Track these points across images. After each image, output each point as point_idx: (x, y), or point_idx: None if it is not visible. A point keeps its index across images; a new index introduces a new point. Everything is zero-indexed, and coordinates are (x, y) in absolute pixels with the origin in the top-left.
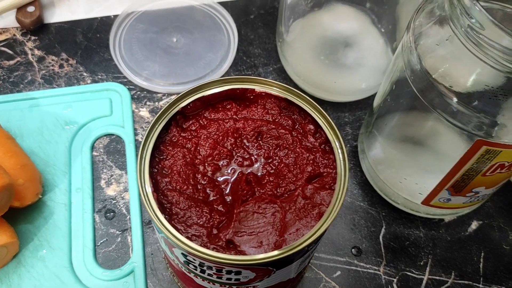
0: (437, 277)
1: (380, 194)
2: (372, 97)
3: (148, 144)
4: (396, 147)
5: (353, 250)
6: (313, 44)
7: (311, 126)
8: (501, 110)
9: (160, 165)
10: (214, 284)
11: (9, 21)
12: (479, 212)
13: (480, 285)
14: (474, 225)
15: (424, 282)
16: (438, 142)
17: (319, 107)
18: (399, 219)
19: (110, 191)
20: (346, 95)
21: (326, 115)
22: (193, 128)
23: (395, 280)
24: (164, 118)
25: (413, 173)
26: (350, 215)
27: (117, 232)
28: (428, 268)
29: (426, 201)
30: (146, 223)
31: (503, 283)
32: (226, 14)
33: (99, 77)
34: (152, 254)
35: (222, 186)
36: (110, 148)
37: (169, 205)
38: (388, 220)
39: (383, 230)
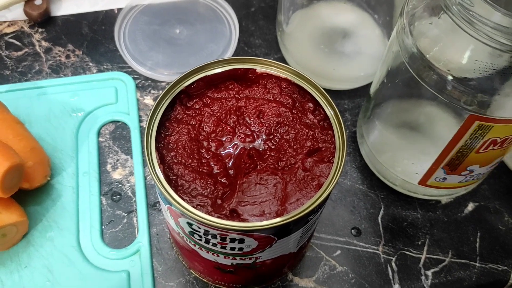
0: (435, 256)
1: (379, 177)
2: (370, 85)
3: (154, 120)
4: (394, 132)
5: (352, 230)
6: (313, 34)
7: (310, 104)
8: (493, 85)
9: (165, 140)
10: (218, 256)
11: (17, 13)
12: (475, 194)
13: (477, 264)
14: (470, 206)
15: (422, 260)
16: (433, 126)
17: (318, 86)
18: (397, 201)
19: (116, 175)
20: (345, 83)
21: (325, 93)
22: (197, 106)
23: (393, 259)
24: (169, 96)
25: (410, 155)
26: (349, 197)
27: (123, 213)
28: (425, 248)
29: (423, 181)
30: (151, 205)
31: (499, 262)
32: (227, 7)
33: (105, 67)
34: (157, 234)
35: (225, 160)
36: (116, 134)
37: (174, 177)
38: (386, 202)
39: (381, 211)
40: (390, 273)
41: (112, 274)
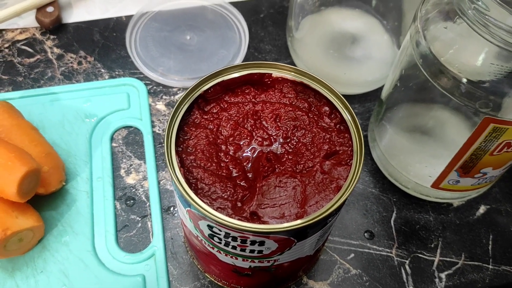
0: (448, 259)
1: (391, 180)
2: (380, 89)
3: (173, 124)
4: (405, 136)
5: (365, 234)
6: (322, 39)
7: (326, 108)
8: (508, 88)
9: (184, 144)
10: (237, 259)
11: (29, 21)
12: (486, 197)
13: (490, 266)
14: (482, 209)
15: (435, 263)
16: (445, 130)
17: (334, 89)
18: (410, 204)
19: (130, 180)
20: (355, 87)
21: (341, 96)
22: (214, 111)
23: (407, 261)
24: (187, 101)
25: (422, 159)
26: (362, 201)
27: (138, 218)
28: (438, 250)
29: (436, 184)
30: (165, 210)
31: None
32: (236, 13)
33: (116, 73)
34: (172, 238)
35: (244, 163)
36: (129, 140)
37: (194, 180)
38: (399, 205)
39: (394, 214)
40: (404, 276)
41: (127, 278)
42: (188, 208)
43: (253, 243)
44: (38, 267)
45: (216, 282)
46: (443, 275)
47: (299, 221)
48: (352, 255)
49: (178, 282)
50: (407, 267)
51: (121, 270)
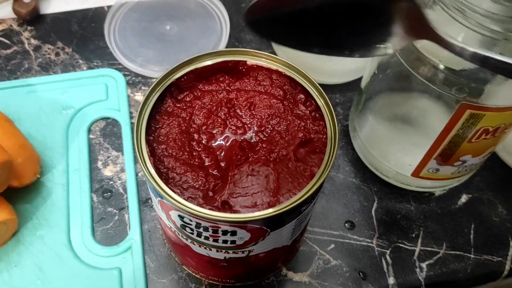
0: (429, 248)
1: (372, 170)
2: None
3: (144, 113)
4: (386, 125)
5: (346, 224)
6: None
7: (302, 95)
8: (484, 74)
9: (156, 133)
10: (211, 250)
11: (6, 12)
12: (468, 186)
13: (472, 255)
14: (463, 198)
15: (416, 253)
16: (425, 119)
17: (310, 77)
18: (391, 194)
19: (107, 172)
20: (336, 77)
21: (316, 84)
22: (188, 99)
23: (388, 251)
24: (159, 89)
25: (402, 148)
26: (342, 191)
27: (115, 210)
28: (420, 240)
29: (416, 173)
30: (143, 202)
31: (494, 253)
32: (217, 3)
33: (95, 64)
34: (149, 231)
35: (217, 152)
36: (107, 131)
37: (165, 170)
38: (380, 195)
39: (375, 204)
40: (385, 266)
41: (103, 271)
42: (159, 199)
43: (224, 233)
44: (12, 261)
45: (193, 274)
46: (424, 265)
47: (270, 210)
48: (333, 245)
49: (155, 275)
50: (387, 257)
51: (97, 264)
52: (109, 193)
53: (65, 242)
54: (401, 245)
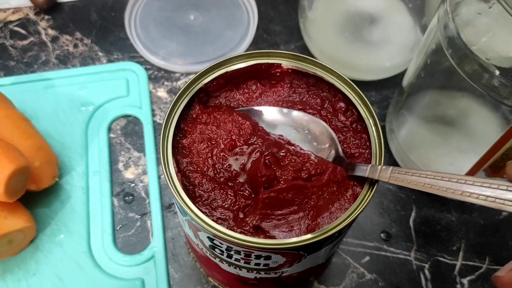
0: (471, 263)
1: None
2: (400, 75)
3: (170, 124)
4: (427, 127)
5: (382, 234)
6: (338, 20)
7: (342, 104)
8: None
9: (180, 145)
10: (241, 270)
11: (22, 0)
12: None
13: None
14: None
15: (457, 267)
16: (470, 122)
17: (351, 83)
18: (430, 203)
19: (129, 174)
20: (372, 73)
21: (359, 91)
22: (215, 109)
23: (426, 265)
24: (186, 96)
25: (445, 153)
26: (378, 198)
27: (137, 216)
28: (461, 253)
29: None
30: (166, 207)
31: None
32: None
33: (115, 56)
34: (173, 239)
35: (242, 167)
36: (128, 130)
37: (191, 187)
38: (418, 204)
39: (413, 213)
40: (424, 282)
41: (125, 282)
42: (187, 218)
43: (258, 257)
44: (30, 270)
45: (220, 287)
46: (465, 281)
47: (309, 236)
48: (367, 258)
49: (180, 286)
50: (426, 271)
51: (119, 273)
52: (130, 197)
53: (85, 249)
54: (440, 258)
